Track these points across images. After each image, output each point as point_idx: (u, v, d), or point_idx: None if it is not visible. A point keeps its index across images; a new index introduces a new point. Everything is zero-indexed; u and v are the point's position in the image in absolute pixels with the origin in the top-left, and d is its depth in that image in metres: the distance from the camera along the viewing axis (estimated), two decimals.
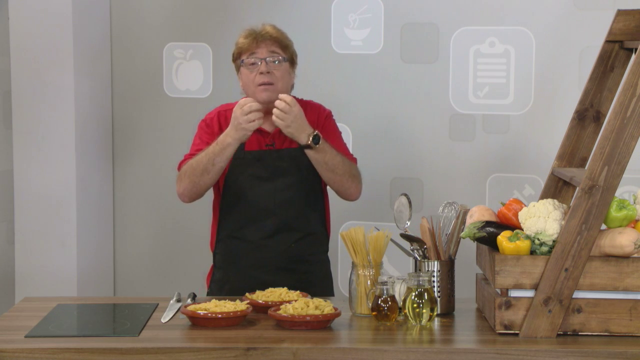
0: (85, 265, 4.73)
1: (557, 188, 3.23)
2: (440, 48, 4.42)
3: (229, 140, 3.46)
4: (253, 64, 3.56)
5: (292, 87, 3.66)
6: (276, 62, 3.56)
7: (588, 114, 3.18)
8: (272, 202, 3.60)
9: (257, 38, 3.57)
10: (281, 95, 3.47)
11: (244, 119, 3.42)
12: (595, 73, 3.15)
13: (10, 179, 4.70)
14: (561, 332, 2.87)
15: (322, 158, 3.50)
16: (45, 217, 4.68)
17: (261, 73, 3.54)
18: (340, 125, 4.37)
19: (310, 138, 3.46)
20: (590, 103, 3.17)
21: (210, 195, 3.70)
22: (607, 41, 3.10)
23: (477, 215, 3.09)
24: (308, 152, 3.50)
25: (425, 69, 4.45)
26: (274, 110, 3.45)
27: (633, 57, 2.92)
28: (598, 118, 3.17)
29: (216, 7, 4.70)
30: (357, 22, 4.53)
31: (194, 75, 4.76)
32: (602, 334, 2.86)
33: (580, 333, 2.87)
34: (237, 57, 3.62)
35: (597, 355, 2.74)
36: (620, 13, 3.06)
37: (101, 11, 4.78)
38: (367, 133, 4.53)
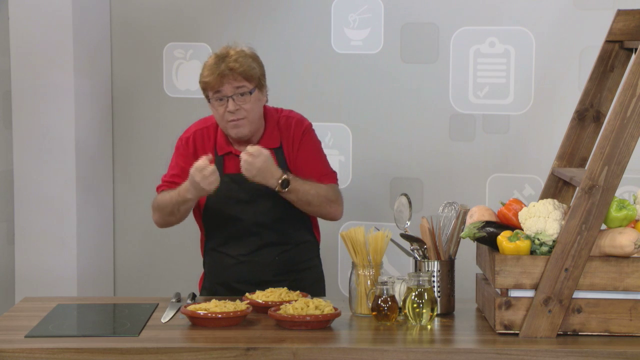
0: (85, 265, 4.73)
1: (557, 188, 3.23)
2: (440, 48, 4.42)
3: (189, 196, 3.44)
4: (220, 99, 3.49)
5: (266, 101, 3.60)
6: (243, 95, 3.49)
7: (588, 114, 3.18)
8: (254, 224, 3.58)
9: (221, 74, 3.47)
10: (248, 148, 3.42)
11: (205, 182, 3.37)
12: (595, 73, 3.15)
13: (10, 179, 4.70)
14: (561, 332, 2.87)
15: (295, 197, 3.48)
16: (45, 217, 4.68)
17: (229, 111, 3.48)
18: (340, 126, 4.37)
19: (279, 183, 3.42)
20: (590, 103, 3.17)
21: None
22: (607, 41, 3.10)
23: (477, 215, 3.09)
24: (280, 193, 3.47)
25: (425, 69, 4.45)
26: (241, 162, 3.40)
27: (633, 57, 2.92)
28: (598, 118, 3.17)
29: (216, 7, 4.70)
30: (357, 22, 4.53)
31: (194, 75, 4.74)
32: (602, 334, 2.86)
33: (580, 333, 2.87)
34: (203, 90, 3.55)
35: (597, 355, 2.74)
36: (620, 13, 3.06)
37: (101, 11, 4.78)
38: (367, 133, 4.53)
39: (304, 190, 3.48)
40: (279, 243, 3.61)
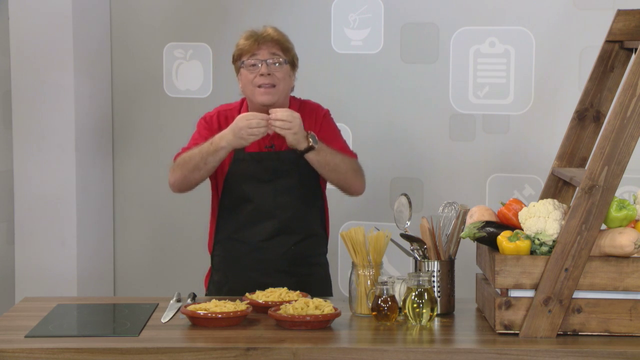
0: (85, 265, 4.73)
1: (557, 188, 3.23)
2: (440, 48, 4.42)
3: (223, 144, 3.44)
4: (253, 65, 3.54)
5: (292, 89, 3.66)
6: (277, 64, 3.55)
7: (588, 114, 3.18)
8: (272, 204, 3.59)
9: (259, 40, 3.55)
10: (275, 110, 3.43)
11: (247, 131, 3.40)
12: (595, 73, 3.15)
13: (10, 179, 4.70)
14: (561, 332, 2.87)
15: (323, 158, 3.48)
16: (45, 217, 4.68)
17: (261, 75, 3.52)
18: (340, 126, 4.37)
19: (310, 139, 3.45)
20: (590, 103, 3.17)
21: (208, 195, 3.69)
22: (607, 41, 3.10)
23: (477, 215, 3.09)
24: (309, 155, 3.47)
25: (425, 69, 4.45)
26: (277, 122, 3.40)
27: (633, 57, 2.92)
28: (598, 118, 3.17)
29: (216, 7, 4.70)
30: (357, 22, 4.53)
31: (194, 75, 4.76)
32: (602, 334, 2.86)
33: (580, 333, 2.87)
34: (237, 59, 3.60)
35: (597, 355, 2.74)
36: (620, 13, 3.06)
37: (101, 11, 4.78)
38: (367, 133, 4.53)
39: (331, 152, 3.50)
40: (294, 231, 3.61)
